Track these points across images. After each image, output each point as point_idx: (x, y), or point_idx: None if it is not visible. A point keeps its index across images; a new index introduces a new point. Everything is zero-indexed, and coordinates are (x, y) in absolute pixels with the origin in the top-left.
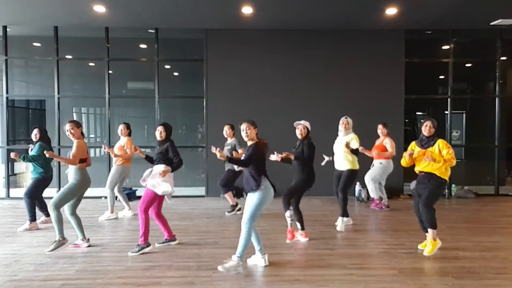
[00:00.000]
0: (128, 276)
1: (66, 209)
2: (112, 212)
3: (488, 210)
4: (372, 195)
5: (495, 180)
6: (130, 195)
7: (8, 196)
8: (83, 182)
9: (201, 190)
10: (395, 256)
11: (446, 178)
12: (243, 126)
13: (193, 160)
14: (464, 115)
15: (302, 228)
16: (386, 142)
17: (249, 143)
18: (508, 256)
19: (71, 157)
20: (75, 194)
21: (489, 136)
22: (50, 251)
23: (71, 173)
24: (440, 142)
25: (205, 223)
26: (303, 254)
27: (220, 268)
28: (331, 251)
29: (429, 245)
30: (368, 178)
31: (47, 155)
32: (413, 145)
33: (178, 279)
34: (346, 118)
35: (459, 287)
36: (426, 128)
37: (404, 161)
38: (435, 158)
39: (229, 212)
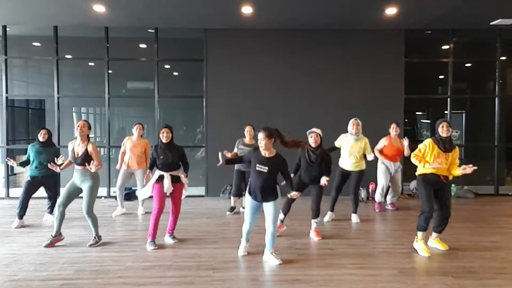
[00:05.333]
0: (128, 276)
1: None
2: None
3: (487, 210)
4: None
5: (494, 180)
6: (130, 195)
7: (8, 196)
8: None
9: (201, 190)
10: (395, 256)
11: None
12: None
13: (192, 160)
14: (464, 115)
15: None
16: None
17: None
18: (508, 256)
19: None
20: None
21: (489, 136)
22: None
23: (86, 175)
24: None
25: (205, 223)
26: (303, 254)
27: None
28: (331, 251)
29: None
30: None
31: None
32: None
33: (178, 279)
34: (357, 119)
35: (459, 286)
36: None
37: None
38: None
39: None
